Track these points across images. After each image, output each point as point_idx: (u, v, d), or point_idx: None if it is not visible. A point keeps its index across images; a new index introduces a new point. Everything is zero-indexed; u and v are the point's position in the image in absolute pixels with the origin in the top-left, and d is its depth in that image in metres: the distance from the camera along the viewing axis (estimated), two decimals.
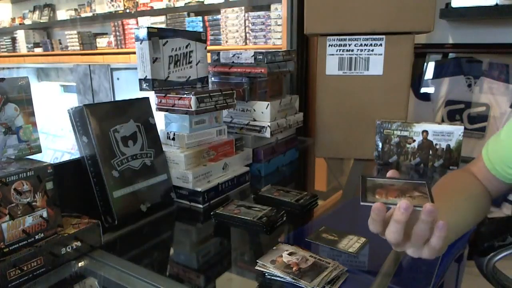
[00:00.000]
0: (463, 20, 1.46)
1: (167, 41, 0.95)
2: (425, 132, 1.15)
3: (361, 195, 0.54)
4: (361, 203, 0.53)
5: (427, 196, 0.53)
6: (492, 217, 0.85)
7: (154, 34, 0.92)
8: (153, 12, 3.90)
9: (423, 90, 1.58)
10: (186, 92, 0.92)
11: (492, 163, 0.70)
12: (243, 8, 3.31)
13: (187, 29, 3.61)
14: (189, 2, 3.62)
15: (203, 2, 3.53)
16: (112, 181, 0.81)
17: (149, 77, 0.93)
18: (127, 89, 2.35)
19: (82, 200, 0.81)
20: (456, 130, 1.12)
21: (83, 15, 4.57)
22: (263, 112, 1.11)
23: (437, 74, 1.55)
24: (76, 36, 4.51)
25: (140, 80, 0.95)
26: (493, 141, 0.72)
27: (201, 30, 3.50)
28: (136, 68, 0.95)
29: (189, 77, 1.03)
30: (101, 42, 4.46)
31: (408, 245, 0.55)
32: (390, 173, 0.59)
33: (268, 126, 1.09)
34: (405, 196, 0.53)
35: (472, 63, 1.49)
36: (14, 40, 5.32)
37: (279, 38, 3.11)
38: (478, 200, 0.70)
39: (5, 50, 5.42)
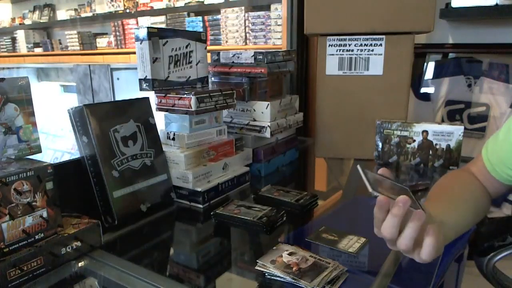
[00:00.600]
0: (463, 20, 1.46)
1: (167, 41, 0.95)
2: (425, 132, 1.15)
3: (370, 185, 0.53)
4: (371, 191, 0.53)
5: (415, 202, 0.53)
6: (492, 217, 0.86)
7: (154, 34, 0.92)
8: (153, 12, 3.90)
9: (423, 90, 1.58)
10: (186, 92, 0.92)
11: (492, 164, 0.70)
12: (243, 8, 3.31)
13: (187, 29, 3.61)
14: (189, 2, 3.62)
15: (203, 2, 3.53)
16: (112, 181, 0.81)
17: (149, 77, 0.93)
18: (127, 89, 2.34)
19: (82, 200, 0.81)
20: (456, 130, 1.12)
21: (83, 15, 4.57)
22: (263, 112, 1.11)
23: (437, 74, 1.55)
24: (76, 36, 4.51)
25: (140, 80, 0.95)
26: (492, 142, 0.72)
27: (201, 30, 3.50)
28: (136, 68, 0.95)
29: (189, 77, 1.03)
30: (101, 42, 4.46)
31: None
32: (381, 170, 0.59)
33: (268, 126, 1.09)
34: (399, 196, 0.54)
35: (472, 63, 1.49)
36: (14, 40, 5.32)
37: (279, 38, 3.11)
38: (478, 200, 0.70)
39: (5, 50, 5.42)
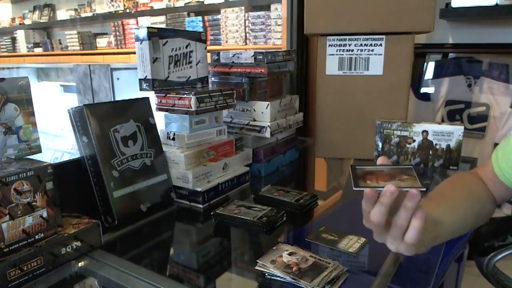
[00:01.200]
0: (463, 20, 1.46)
1: (167, 41, 0.95)
2: (425, 132, 1.15)
3: (353, 182, 0.54)
4: (354, 189, 0.54)
5: (415, 178, 0.54)
6: (492, 217, 0.85)
7: (154, 34, 0.92)
8: (153, 12, 3.90)
9: (423, 90, 1.58)
10: (186, 92, 0.92)
11: (501, 169, 0.69)
12: (243, 8, 3.30)
13: (187, 29, 3.60)
14: (189, 2, 3.62)
15: (203, 2, 3.53)
16: (112, 181, 0.81)
17: (149, 77, 0.93)
18: (127, 89, 2.35)
19: (82, 200, 0.81)
20: (456, 130, 1.12)
21: (83, 15, 4.57)
22: (263, 112, 1.11)
23: (437, 74, 1.55)
24: (76, 36, 4.51)
25: (140, 80, 0.95)
26: (503, 147, 0.70)
27: (201, 30, 3.50)
28: (136, 68, 0.95)
29: (189, 77, 1.03)
30: (101, 42, 4.45)
31: (388, 235, 0.55)
32: (380, 160, 0.59)
33: (268, 126, 1.09)
34: (395, 180, 0.54)
35: (472, 63, 1.49)
36: (14, 40, 5.31)
37: (279, 38, 3.11)
38: (481, 204, 0.69)
39: (5, 50, 5.42)
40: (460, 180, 0.75)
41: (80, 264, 0.68)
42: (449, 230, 0.61)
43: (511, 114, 1.41)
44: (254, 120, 1.12)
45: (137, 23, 4.07)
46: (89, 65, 2.48)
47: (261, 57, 1.08)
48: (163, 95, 0.96)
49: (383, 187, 0.52)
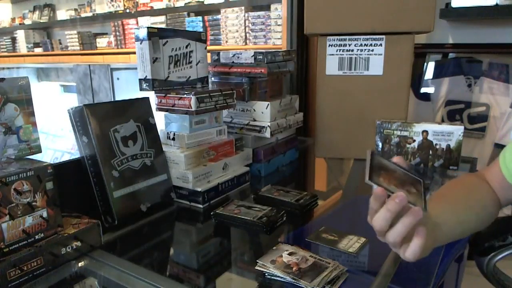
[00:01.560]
0: (463, 20, 1.46)
1: (167, 41, 0.95)
2: (425, 132, 1.15)
3: (368, 173, 0.52)
4: (367, 181, 0.52)
5: (421, 196, 0.53)
6: None
7: (154, 34, 0.92)
8: (153, 12, 3.90)
9: (423, 90, 1.58)
10: (186, 92, 0.92)
11: (509, 170, 0.68)
12: (243, 8, 3.30)
13: (187, 29, 3.60)
14: (189, 2, 3.62)
15: (203, 2, 3.53)
16: (112, 181, 0.81)
17: (149, 77, 0.93)
18: (127, 89, 2.35)
19: (82, 200, 0.81)
20: (456, 130, 1.12)
21: (83, 15, 4.57)
22: (263, 112, 1.11)
23: (437, 74, 1.55)
24: (76, 36, 4.51)
25: (140, 80, 0.95)
26: (511, 148, 0.70)
27: (201, 30, 3.50)
28: (136, 68, 0.95)
29: (189, 77, 1.03)
30: (101, 42, 4.45)
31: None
32: (395, 158, 0.58)
33: (268, 126, 1.09)
34: (403, 189, 0.53)
35: (472, 63, 1.49)
36: (14, 40, 5.31)
37: (279, 38, 3.11)
38: (485, 207, 0.68)
39: (5, 50, 5.42)
40: (462, 181, 0.74)
41: (80, 264, 0.68)
42: (448, 234, 0.60)
43: (511, 114, 1.41)
44: (254, 120, 1.12)
45: (137, 23, 4.07)
46: (89, 65, 2.48)
47: (261, 57, 1.08)
48: (163, 95, 0.96)
49: (393, 192, 0.52)
